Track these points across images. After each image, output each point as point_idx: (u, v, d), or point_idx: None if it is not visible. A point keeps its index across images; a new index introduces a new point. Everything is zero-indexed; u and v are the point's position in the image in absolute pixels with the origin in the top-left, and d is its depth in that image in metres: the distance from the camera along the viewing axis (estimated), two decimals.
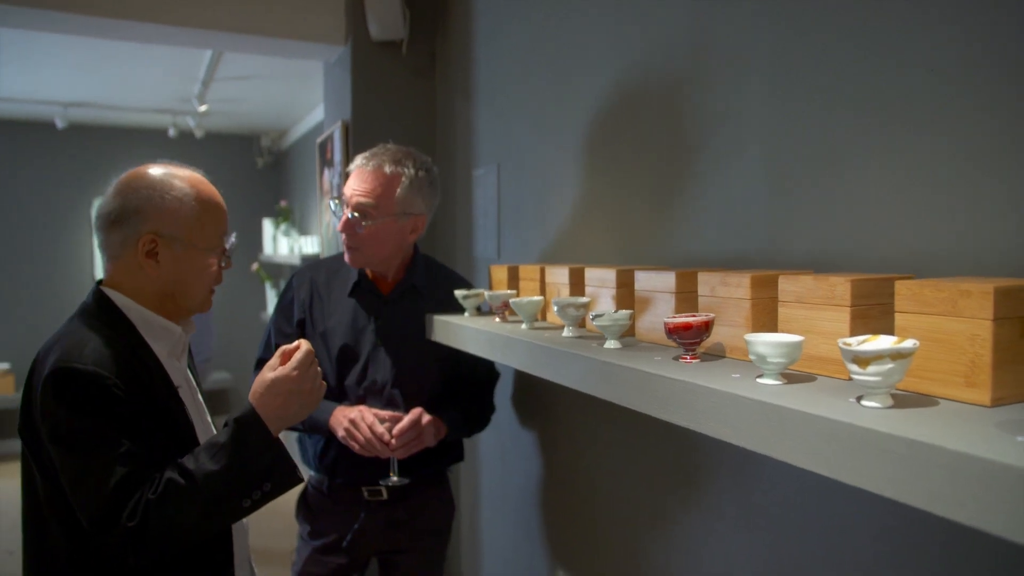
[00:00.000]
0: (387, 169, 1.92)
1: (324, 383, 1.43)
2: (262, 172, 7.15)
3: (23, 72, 4.77)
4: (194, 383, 1.52)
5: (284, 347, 1.41)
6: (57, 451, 1.22)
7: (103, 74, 4.90)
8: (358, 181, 1.93)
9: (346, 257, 1.97)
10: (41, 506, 1.29)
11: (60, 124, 5.74)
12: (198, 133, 5.98)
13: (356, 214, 1.90)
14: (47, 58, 4.48)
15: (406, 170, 1.94)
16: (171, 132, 6.08)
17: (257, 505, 1.30)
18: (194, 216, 1.38)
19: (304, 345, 1.40)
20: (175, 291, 1.40)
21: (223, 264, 1.47)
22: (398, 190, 1.92)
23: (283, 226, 6.05)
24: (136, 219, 1.35)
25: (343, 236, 1.94)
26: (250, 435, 1.30)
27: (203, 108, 5.40)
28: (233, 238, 1.50)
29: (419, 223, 2.00)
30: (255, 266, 6.39)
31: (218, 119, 6.22)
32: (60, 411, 1.22)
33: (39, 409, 1.24)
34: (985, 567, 1.01)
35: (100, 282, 1.40)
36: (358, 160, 1.96)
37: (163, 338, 1.40)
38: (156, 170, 1.40)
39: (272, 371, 1.37)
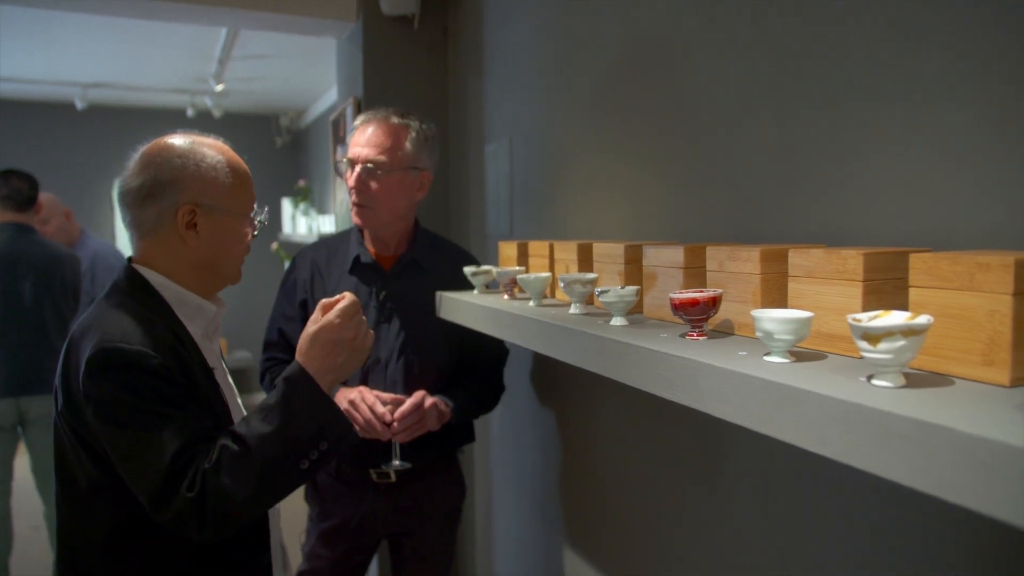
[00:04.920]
0: (394, 121, 1.91)
1: (372, 332, 1.39)
2: (281, 152, 7.15)
3: (43, 53, 4.79)
4: (224, 365, 1.49)
5: (324, 300, 1.38)
6: (108, 430, 1.19)
7: (121, 54, 4.90)
8: (366, 136, 1.90)
9: (354, 217, 1.93)
10: (81, 493, 1.26)
11: (80, 105, 5.77)
12: (216, 113, 5.98)
13: (369, 165, 1.87)
14: (66, 39, 4.49)
15: (412, 123, 1.93)
16: (189, 112, 6.10)
17: (315, 467, 1.26)
18: (229, 183, 1.35)
19: (348, 296, 1.36)
20: (215, 261, 1.37)
21: (255, 233, 1.44)
22: (407, 143, 1.90)
23: (302, 205, 6.05)
24: (172, 190, 1.31)
25: (353, 195, 1.90)
26: (299, 392, 1.26)
27: (220, 87, 5.39)
28: (265, 210, 1.46)
29: (425, 180, 1.98)
30: (274, 245, 6.40)
31: (236, 99, 6.22)
32: (108, 390, 1.19)
33: (82, 391, 1.20)
34: (1002, 549, 0.97)
35: (131, 259, 1.36)
36: (362, 117, 1.94)
37: (197, 317, 1.37)
38: (182, 140, 1.36)
39: (314, 324, 1.33)
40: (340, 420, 1.28)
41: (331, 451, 1.27)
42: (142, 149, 1.36)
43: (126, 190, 1.33)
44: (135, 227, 1.34)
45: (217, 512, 1.17)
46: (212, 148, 1.36)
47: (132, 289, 1.32)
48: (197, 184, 1.32)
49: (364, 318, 1.38)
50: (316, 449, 1.25)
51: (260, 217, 1.45)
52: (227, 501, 1.17)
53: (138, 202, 1.32)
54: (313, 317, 1.35)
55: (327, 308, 1.36)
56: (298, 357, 1.32)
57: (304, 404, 1.25)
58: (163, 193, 1.31)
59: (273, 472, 1.21)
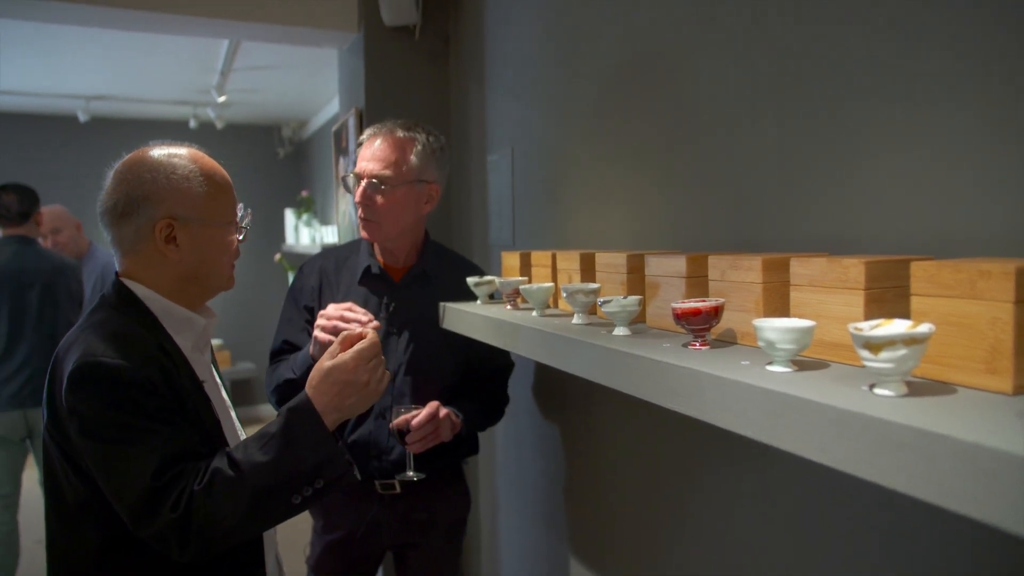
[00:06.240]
0: (400, 134, 1.92)
1: (387, 374, 1.36)
2: (283, 162, 7.17)
3: (46, 66, 4.82)
4: (218, 378, 1.47)
5: (347, 334, 1.34)
6: (89, 445, 1.17)
7: (123, 67, 4.93)
8: (371, 151, 1.91)
9: (362, 232, 1.94)
10: (70, 509, 1.24)
11: (83, 117, 5.79)
12: (219, 124, 6.00)
13: (374, 180, 1.88)
14: (69, 52, 4.52)
15: (418, 135, 1.93)
16: (192, 124, 6.12)
17: (308, 503, 1.23)
18: (204, 192, 1.32)
19: (369, 335, 1.33)
20: (199, 273, 1.34)
21: (241, 237, 1.41)
22: (412, 156, 1.91)
23: (305, 216, 6.06)
24: (147, 206, 1.28)
25: (359, 210, 1.91)
26: (302, 426, 1.23)
27: (222, 99, 5.41)
28: (249, 214, 1.43)
29: (433, 192, 1.98)
30: (278, 256, 6.41)
31: (238, 110, 6.24)
32: (89, 406, 1.17)
33: (65, 406, 1.19)
34: (1006, 558, 0.97)
35: (118, 274, 1.35)
36: (368, 131, 1.95)
37: (186, 330, 1.35)
38: (154, 152, 1.33)
39: (330, 359, 1.30)
40: (340, 460, 1.25)
41: (326, 489, 1.24)
42: (116, 165, 1.34)
43: (103, 209, 1.31)
44: (117, 245, 1.33)
45: (200, 535, 1.15)
46: (184, 158, 1.33)
47: (119, 303, 1.30)
48: (171, 197, 1.29)
49: (383, 359, 1.34)
50: (311, 486, 1.22)
51: (245, 221, 1.42)
52: (212, 526, 1.15)
53: (115, 220, 1.30)
54: (331, 350, 1.32)
55: (347, 343, 1.33)
56: (307, 389, 1.29)
57: (305, 438, 1.23)
58: (138, 210, 1.28)
59: (263, 502, 1.19)
